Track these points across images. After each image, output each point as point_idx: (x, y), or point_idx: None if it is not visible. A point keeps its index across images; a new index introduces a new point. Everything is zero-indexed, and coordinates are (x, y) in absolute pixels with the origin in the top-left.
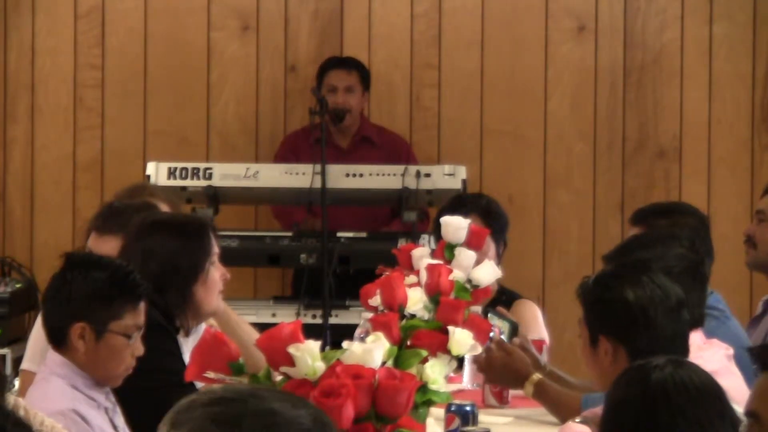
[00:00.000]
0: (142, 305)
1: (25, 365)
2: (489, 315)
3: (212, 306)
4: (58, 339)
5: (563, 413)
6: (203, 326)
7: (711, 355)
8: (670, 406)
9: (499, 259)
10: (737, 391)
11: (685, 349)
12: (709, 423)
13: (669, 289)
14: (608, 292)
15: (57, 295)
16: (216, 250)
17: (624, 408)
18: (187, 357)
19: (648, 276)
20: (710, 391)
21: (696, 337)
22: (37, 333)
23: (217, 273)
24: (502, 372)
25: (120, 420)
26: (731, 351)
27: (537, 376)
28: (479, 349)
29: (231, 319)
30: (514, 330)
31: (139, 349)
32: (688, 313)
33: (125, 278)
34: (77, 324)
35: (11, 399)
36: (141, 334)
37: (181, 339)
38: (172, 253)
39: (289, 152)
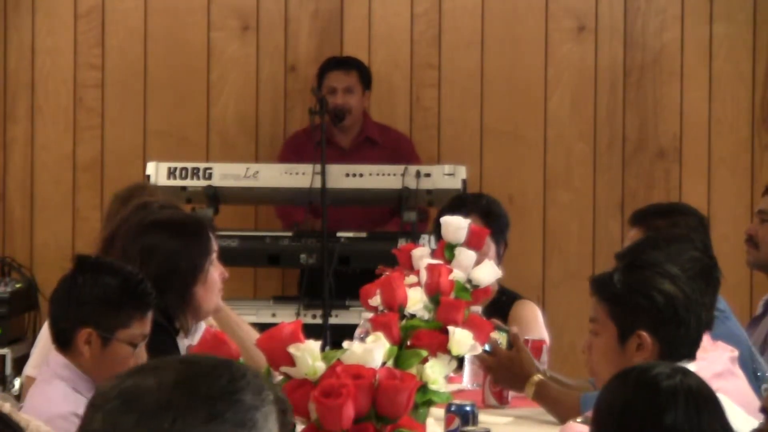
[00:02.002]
0: (150, 314)
1: (29, 372)
2: None
3: (212, 305)
4: (63, 341)
5: (563, 413)
6: (203, 326)
7: (716, 356)
8: (677, 414)
9: (500, 259)
10: (740, 393)
11: (695, 352)
12: None
13: (695, 290)
14: (647, 285)
15: (66, 297)
16: (215, 249)
17: (629, 412)
18: None
19: (677, 274)
20: (713, 402)
21: (703, 339)
22: (44, 340)
23: (216, 272)
24: (508, 368)
25: None
26: (735, 353)
27: (538, 376)
28: (479, 349)
29: (231, 318)
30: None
31: (143, 357)
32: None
33: (136, 286)
34: (84, 329)
35: None
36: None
37: (179, 339)
38: (171, 254)
39: (292, 153)
